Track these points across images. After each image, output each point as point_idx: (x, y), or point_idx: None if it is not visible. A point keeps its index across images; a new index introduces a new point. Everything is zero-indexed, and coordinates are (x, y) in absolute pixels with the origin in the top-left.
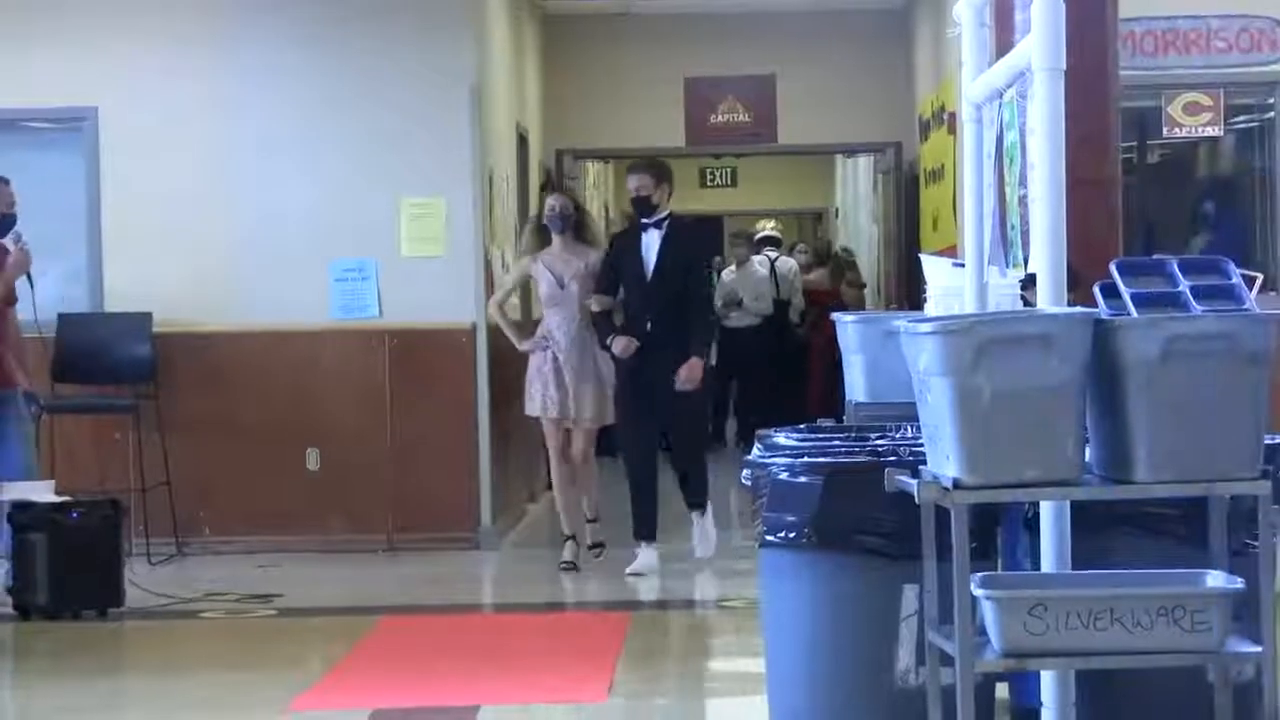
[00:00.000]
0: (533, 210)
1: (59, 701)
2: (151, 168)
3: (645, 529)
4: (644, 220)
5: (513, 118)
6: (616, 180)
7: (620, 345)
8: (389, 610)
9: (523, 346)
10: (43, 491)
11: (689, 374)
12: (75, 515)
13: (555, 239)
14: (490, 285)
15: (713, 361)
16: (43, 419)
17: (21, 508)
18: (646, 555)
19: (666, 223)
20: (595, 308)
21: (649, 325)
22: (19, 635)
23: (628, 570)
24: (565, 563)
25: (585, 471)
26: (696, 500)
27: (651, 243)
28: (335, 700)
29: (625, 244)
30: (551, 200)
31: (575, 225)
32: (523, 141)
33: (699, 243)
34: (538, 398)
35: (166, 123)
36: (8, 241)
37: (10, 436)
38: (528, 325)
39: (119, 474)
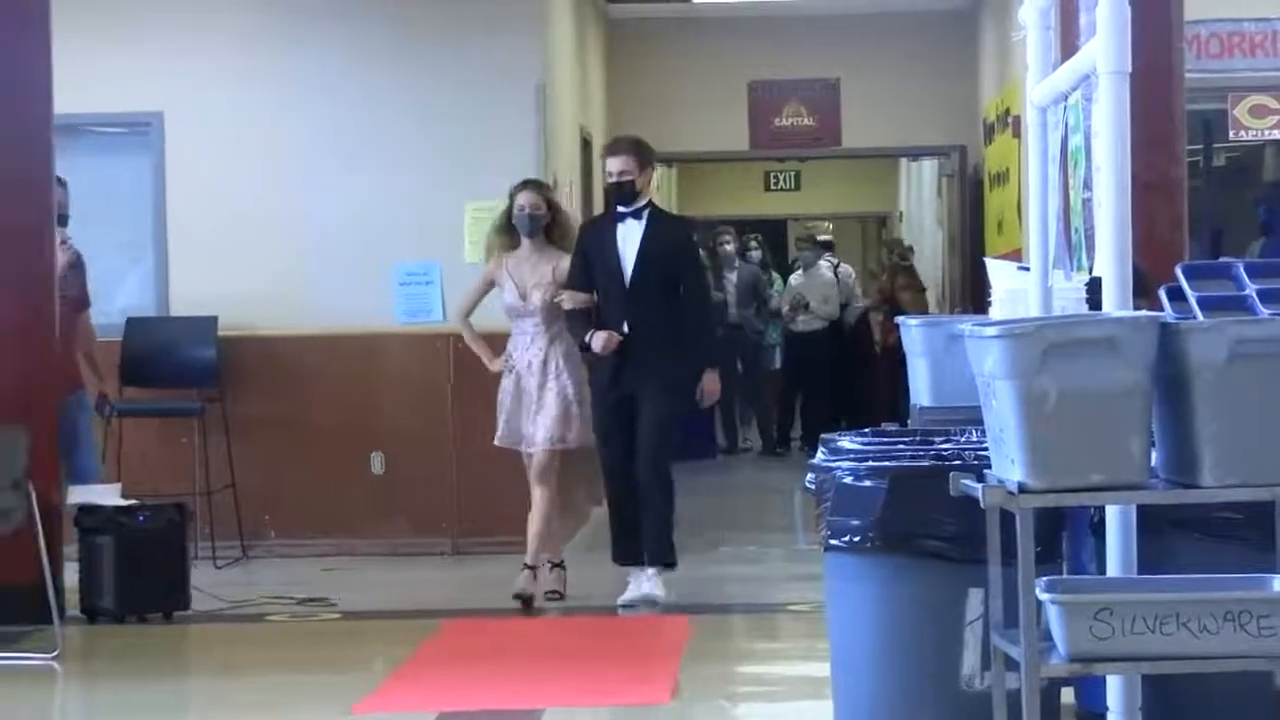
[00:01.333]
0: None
1: (125, 703)
2: (217, 172)
3: (628, 553)
4: (621, 209)
5: (576, 121)
6: (681, 185)
7: (601, 340)
8: (452, 614)
9: (493, 366)
10: (109, 495)
11: (710, 389)
12: (141, 518)
13: (524, 241)
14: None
15: (776, 365)
16: (112, 422)
17: (88, 511)
18: (638, 582)
19: (647, 212)
20: (568, 304)
21: (626, 329)
22: (85, 638)
23: (619, 600)
24: (518, 595)
25: (545, 494)
26: (657, 553)
27: (630, 235)
28: (398, 703)
29: (598, 236)
30: (522, 198)
31: (547, 227)
32: (586, 145)
33: (688, 235)
34: (505, 427)
35: (232, 127)
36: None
37: (82, 439)
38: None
39: (185, 477)
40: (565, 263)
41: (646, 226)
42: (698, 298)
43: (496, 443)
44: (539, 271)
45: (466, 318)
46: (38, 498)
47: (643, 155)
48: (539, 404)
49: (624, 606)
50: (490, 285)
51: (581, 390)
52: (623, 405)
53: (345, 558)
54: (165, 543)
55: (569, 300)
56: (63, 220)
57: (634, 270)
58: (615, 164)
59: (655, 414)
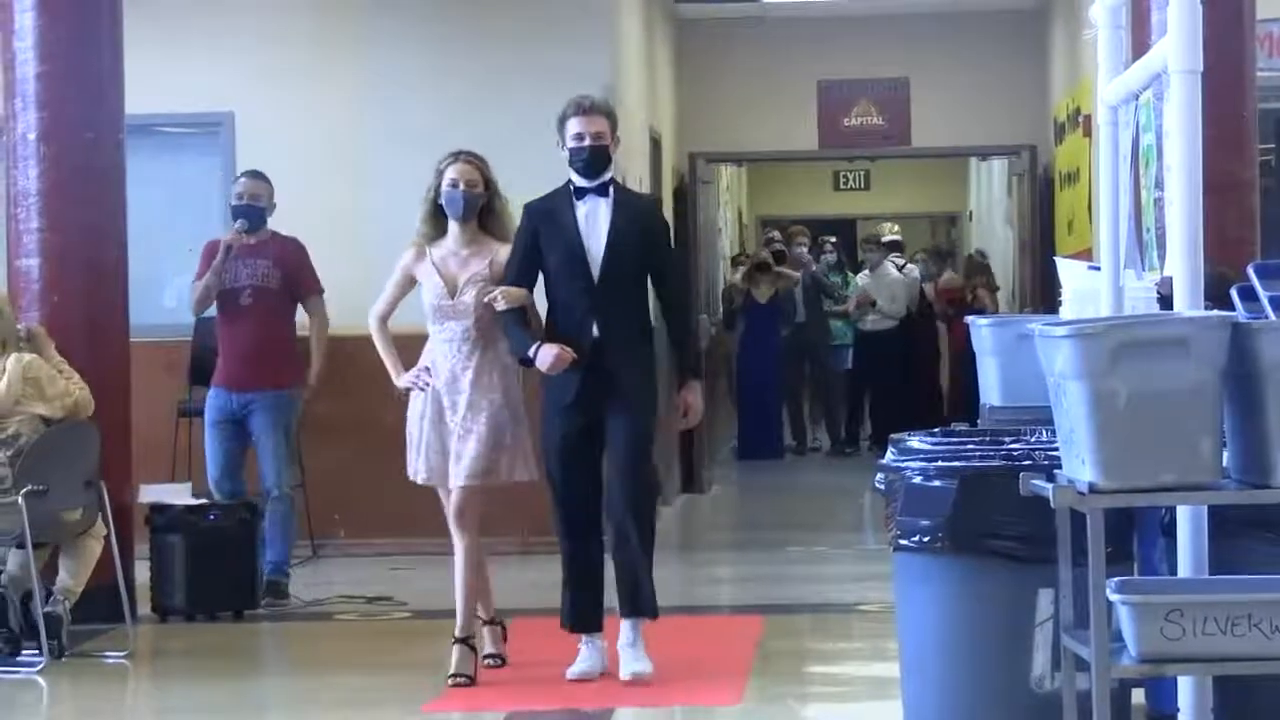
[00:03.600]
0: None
1: (195, 701)
2: (286, 171)
3: (588, 616)
4: (582, 184)
5: (645, 121)
6: (750, 185)
7: (549, 357)
8: (521, 613)
9: (400, 381)
10: (180, 494)
11: (694, 405)
12: (212, 517)
13: (452, 227)
14: None
15: (847, 365)
16: (180, 422)
17: (159, 510)
18: (592, 649)
19: (612, 188)
20: (502, 305)
21: (595, 332)
22: (156, 636)
23: (568, 674)
24: (455, 676)
25: (467, 542)
26: (635, 602)
27: (595, 216)
28: (467, 703)
29: (551, 219)
30: (453, 172)
31: (483, 210)
32: (655, 145)
33: (661, 215)
34: (416, 457)
35: (301, 126)
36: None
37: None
38: None
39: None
40: (502, 256)
41: (615, 207)
42: (679, 294)
43: (419, 480)
44: (472, 266)
45: (384, 321)
46: (109, 497)
47: (614, 118)
48: (465, 429)
49: (575, 680)
50: (412, 281)
51: (518, 411)
52: (588, 430)
53: (414, 557)
54: (236, 542)
55: (503, 299)
56: (256, 214)
57: (604, 261)
58: (586, 124)
59: (632, 436)
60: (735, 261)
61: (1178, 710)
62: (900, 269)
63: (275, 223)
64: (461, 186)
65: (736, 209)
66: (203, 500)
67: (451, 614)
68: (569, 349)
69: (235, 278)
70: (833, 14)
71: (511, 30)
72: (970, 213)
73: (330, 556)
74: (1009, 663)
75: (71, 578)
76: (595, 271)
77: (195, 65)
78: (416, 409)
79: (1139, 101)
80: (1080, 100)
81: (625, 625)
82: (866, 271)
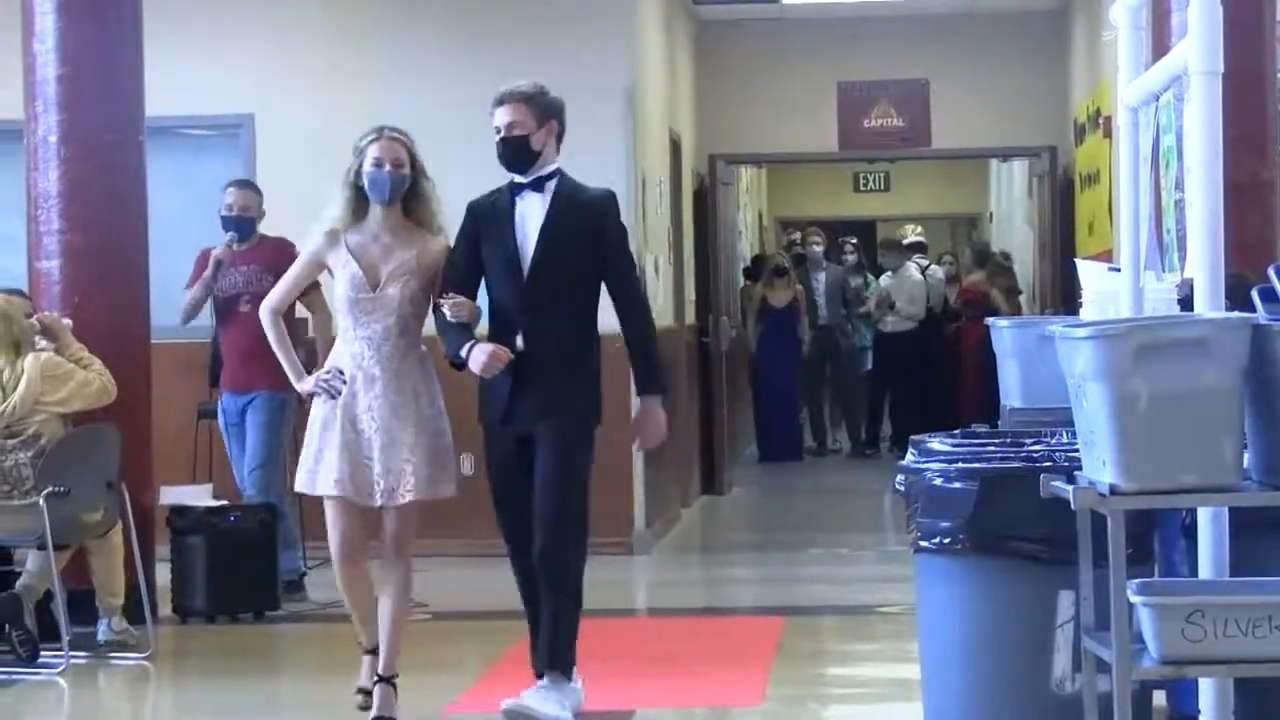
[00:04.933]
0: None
1: (216, 703)
2: (307, 173)
3: (550, 654)
4: (517, 179)
5: (665, 122)
6: (771, 186)
7: (482, 356)
8: None
9: (304, 386)
10: (200, 495)
11: (652, 427)
12: (233, 519)
13: (374, 211)
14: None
15: (867, 367)
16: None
17: (180, 512)
18: (547, 697)
19: (553, 183)
20: (450, 315)
21: (520, 341)
22: (178, 637)
23: (502, 706)
24: (361, 691)
25: (403, 569)
26: (549, 655)
27: (531, 212)
28: (490, 704)
29: (491, 215)
30: (376, 150)
31: (408, 194)
32: (675, 147)
33: (612, 210)
34: (315, 467)
35: (321, 129)
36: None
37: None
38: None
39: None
40: (433, 246)
41: (553, 201)
42: (630, 298)
43: (331, 493)
44: (395, 255)
45: (279, 315)
46: (130, 498)
47: (540, 105)
48: (390, 439)
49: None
50: (318, 270)
51: (445, 418)
52: (523, 450)
53: (436, 559)
54: (256, 543)
55: (451, 310)
56: (247, 226)
57: (534, 261)
58: (502, 115)
59: (555, 460)
60: (747, 273)
61: (1199, 712)
62: (924, 270)
63: (296, 224)
64: (387, 166)
65: (756, 211)
66: (223, 502)
67: (473, 616)
68: (504, 349)
69: (231, 285)
70: (852, 15)
71: (532, 31)
72: (990, 214)
73: None
74: (1030, 664)
75: (111, 595)
76: (524, 273)
77: (215, 67)
78: (319, 415)
79: (1159, 103)
80: (1100, 101)
81: (542, 681)
82: (889, 273)
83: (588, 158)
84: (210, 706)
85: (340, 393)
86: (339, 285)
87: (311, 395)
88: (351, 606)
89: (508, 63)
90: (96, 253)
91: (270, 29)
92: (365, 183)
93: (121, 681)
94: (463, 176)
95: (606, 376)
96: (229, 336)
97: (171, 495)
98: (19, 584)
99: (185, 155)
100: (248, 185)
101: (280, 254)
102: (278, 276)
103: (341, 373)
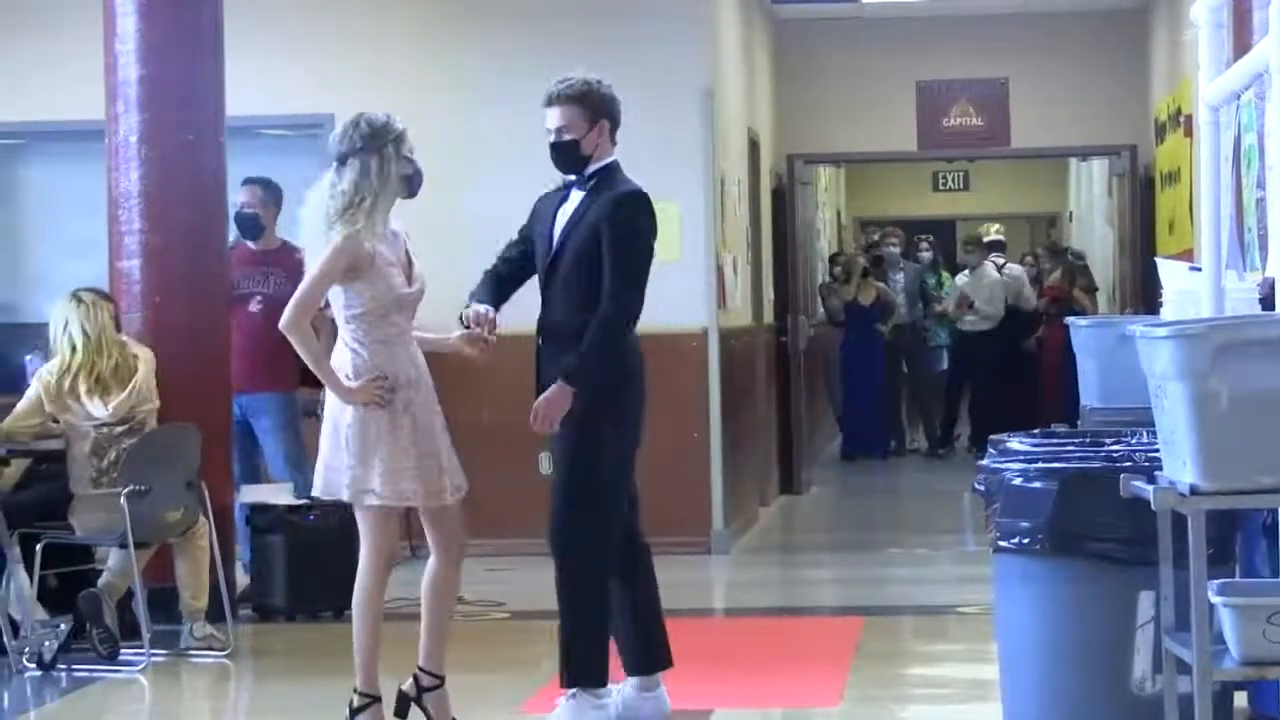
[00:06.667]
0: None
1: (294, 701)
2: None
3: (575, 667)
4: (570, 179)
5: (744, 122)
6: (849, 186)
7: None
8: None
9: (361, 397)
10: (280, 494)
11: (544, 406)
12: (312, 518)
13: (393, 207)
14: (723, 292)
15: (944, 366)
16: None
17: (260, 510)
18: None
19: (596, 180)
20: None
21: (540, 334)
22: (257, 636)
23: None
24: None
25: (459, 567)
26: (564, 670)
27: (569, 209)
28: None
29: (541, 211)
30: (410, 142)
31: None
32: (754, 147)
33: (618, 206)
34: (391, 478)
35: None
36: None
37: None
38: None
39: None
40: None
41: (586, 198)
42: (610, 293)
43: (409, 504)
44: (396, 246)
45: (308, 325)
46: (210, 497)
47: (590, 105)
48: (446, 434)
49: None
50: (346, 276)
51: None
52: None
53: (511, 558)
54: (336, 541)
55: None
56: (251, 222)
57: (551, 254)
58: (550, 118)
59: (565, 453)
60: (833, 260)
61: None
62: (1000, 269)
63: None
64: (418, 162)
65: (835, 210)
66: (303, 501)
67: (552, 615)
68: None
69: (246, 283)
70: (931, 14)
71: (611, 33)
72: (1070, 213)
73: (428, 557)
74: (1110, 665)
75: (193, 598)
76: (546, 267)
77: (296, 67)
78: (373, 424)
79: (1240, 101)
80: (1181, 100)
81: (557, 700)
82: (966, 272)
83: (667, 158)
84: (290, 705)
85: (391, 401)
86: (384, 284)
87: (356, 404)
88: (372, 634)
89: (589, 65)
90: (176, 253)
91: (352, 28)
92: (412, 172)
93: (202, 680)
94: (539, 177)
95: (676, 378)
96: (237, 336)
97: (252, 494)
98: (100, 582)
99: (266, 155)
100: (255, 183)
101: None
102: (293, 282)
103: (386, 378)
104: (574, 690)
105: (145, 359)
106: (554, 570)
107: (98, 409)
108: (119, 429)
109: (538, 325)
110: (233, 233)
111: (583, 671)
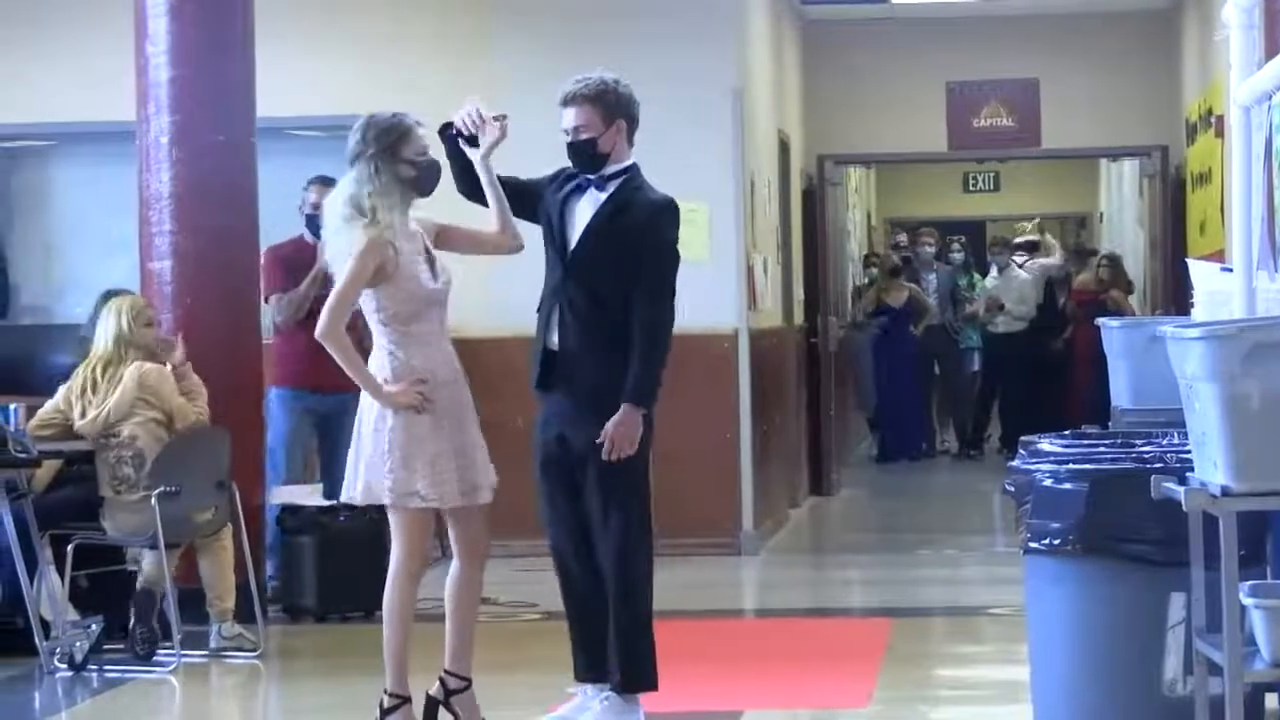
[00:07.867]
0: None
1: (325, 701)
2: None
3: (592, 664)
4: (586, 177)
5: (774, 123)
6: (879, 186)
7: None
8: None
9: (403, 399)
10: (311, 495)
11: (620, 434)
12: (343, 518)
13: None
14: (753, 293)
15: (975, 367)
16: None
17: (290, 511)
18: (584, 700)
19: (616, 183)
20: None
21: (557, 335)
22: (287, 636)
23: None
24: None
25: (479, 574)
26: (619, 667)
27: (584, 208)
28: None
29: (555, 193)
30: (424, 139)
31: None
32: (784, 147)
33: (656, 215)
34: (435, 480)
35: (432, 129)
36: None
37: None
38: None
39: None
40: (419, 229)
41: (606, 202)
42: (649, 301)
43: (455, 504)
44: (416, 238)
45: (343, 331)
46: (240, 498)
47: (607, 104)
48: (477, 433)
49: None
50: (380, 275)
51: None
52: (561, 454)
53: (541, 558)
54: (366, 542)
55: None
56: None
57: (573, 254)
58: (567, 118)
59: (607, 466)
60: (867, 260)
61: None
62: (1021, 265)
63: None
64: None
65: (865, 211)
66: (333, 502)
67: None
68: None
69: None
70: (962, 14)
71: (639, 33)
72: (1101, 214)
73: None
74: (1140, 667)
75: (219, 598)
76: (565, 264)
77: (327, 68)
78: (414, 426)
79: (1272, 102)
80: (1213, 101)
81: (604, 694)
82: (995, 272)
83: (696, 159)
84: (320, 706)
85: (432, 402)
86: (412, 284)
87: (397, 407)
88: (403, 635)
89: (617, 65)
90: (208, 254)
91: (382, 30)
92: (418, 173)
93: (232, 680)
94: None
95: (706, 379)
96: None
97: (282, 495)
98: (140, 582)
99: (298, 156)
100: (323, 181)
101: None
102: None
103: (426, 381)
104: (609, 692)
105: (132, 379)
106: (619, 582)
107: (77, 420)
108: (113, 440)
109: (542, 323)
110: (277, 234)
111: (642, 676)
